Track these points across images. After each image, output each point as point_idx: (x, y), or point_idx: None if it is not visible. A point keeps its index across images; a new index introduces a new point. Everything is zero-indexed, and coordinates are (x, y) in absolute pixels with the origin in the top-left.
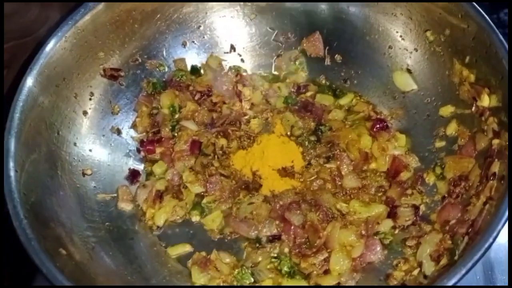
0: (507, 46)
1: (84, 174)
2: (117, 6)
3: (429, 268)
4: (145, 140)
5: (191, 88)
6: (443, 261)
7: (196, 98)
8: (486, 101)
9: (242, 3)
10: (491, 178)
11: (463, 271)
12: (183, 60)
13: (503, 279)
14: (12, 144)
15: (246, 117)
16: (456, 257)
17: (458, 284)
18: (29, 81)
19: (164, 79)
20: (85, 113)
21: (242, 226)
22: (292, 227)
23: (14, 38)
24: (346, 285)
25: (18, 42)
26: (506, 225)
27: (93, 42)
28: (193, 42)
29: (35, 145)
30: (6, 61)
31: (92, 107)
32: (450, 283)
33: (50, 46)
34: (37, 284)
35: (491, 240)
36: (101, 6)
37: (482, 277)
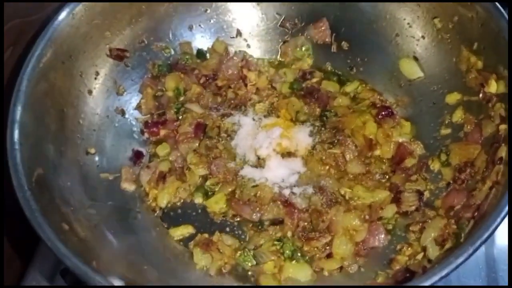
0: None
1: (87, 153)
2: None
3: (434, 252)
4: (149, 121)
5: (196, 71)
6: (448, 245)
7: (201, 81)
8: (493, 87)
9: None
10: (498, 163)
11: (471, 250)
12: (189, 43)
13: (505, 269)
14: (17, 116)
15: (251, 101)
16: (462, 239)
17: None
18: (37, 56)
19: (169, 62)
20: (90, 92)
21: (245, 209)
22: (296, 211)
23: (21, 16)
24: (349, 270)
25: (24, 20)
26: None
27: (101, 21)
28: (200, 25)
29: (40, 120)
30: (12, 39)
31: (97, 87)
32: (458, 262)
33: (57, 22)
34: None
35: (498, 220)
36: None
37: (484, 266)
